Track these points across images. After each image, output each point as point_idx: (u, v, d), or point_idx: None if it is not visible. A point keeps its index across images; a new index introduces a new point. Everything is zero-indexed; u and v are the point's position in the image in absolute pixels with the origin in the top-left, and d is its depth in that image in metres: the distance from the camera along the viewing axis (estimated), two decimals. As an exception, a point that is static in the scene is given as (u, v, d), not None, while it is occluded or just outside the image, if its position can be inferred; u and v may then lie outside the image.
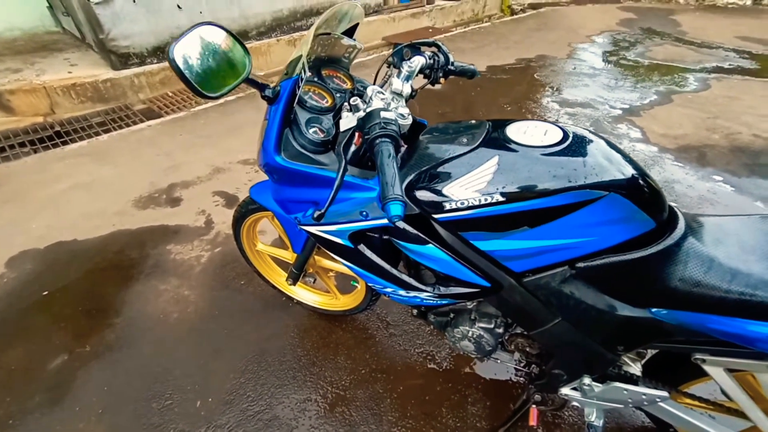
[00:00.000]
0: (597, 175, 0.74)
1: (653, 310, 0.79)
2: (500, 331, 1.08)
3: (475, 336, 1.10)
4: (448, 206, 0.81)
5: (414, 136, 0.96)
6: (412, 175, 0.85)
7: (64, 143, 3.05)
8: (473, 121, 0.92)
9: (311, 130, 0.95)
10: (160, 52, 3.81)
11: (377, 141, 0.71)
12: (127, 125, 3.29)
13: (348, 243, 0.99)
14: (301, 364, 1.53)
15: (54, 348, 1.58)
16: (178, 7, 3.77)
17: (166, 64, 3.80)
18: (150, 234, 2.15)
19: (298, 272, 1.41)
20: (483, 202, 0.78)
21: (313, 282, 1.53)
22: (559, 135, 0.81)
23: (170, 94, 3.81)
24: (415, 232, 0.89)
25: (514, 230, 0.80)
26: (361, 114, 0.78)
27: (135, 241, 2.11)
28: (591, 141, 0.81)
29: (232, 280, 1.88)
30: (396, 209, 0.62)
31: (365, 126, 0.74)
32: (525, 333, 1.07)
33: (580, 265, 0.81)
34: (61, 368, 1.51)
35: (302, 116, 0.95)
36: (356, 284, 1.50)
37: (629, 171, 0.77)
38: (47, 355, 1.55)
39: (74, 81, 3.44)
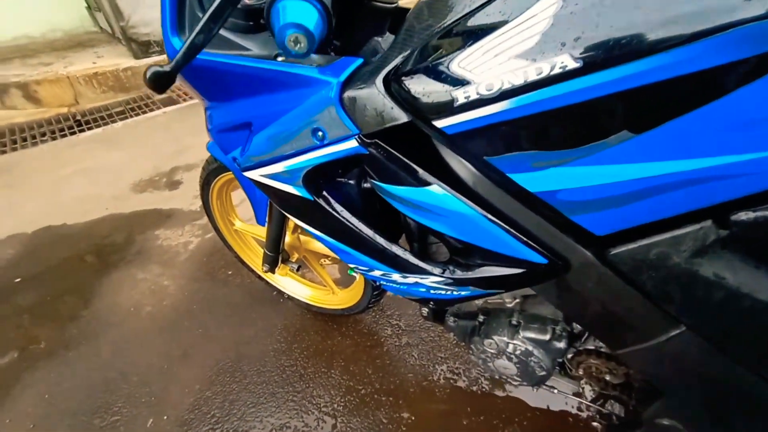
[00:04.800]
0: None
1: None
2: (561, 345, 0.65)
3: (518, 352, 0.68)
4: (461, 98, 0.41)
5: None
6: (398, 59, 0.47)
7: (82, 131, 2.98)
8: None
9: None
10: (182, 39, 3.69)
11: None
12: (144, 113, 3.17)
13: (303, 192, 0.61)
14: (283, 377, 1.18)
15: (7, 343, 1.35)
16: (200, -8, 3.63)
17: (187, 51, 3.69)
18: (141, 218, 1.92)
19: (273, 254, 1.06)
20: (534, 77, 0.37)
21: (296, 270, 1.17)
22: None
23: (191, 83, 3.69)
24: (403, 161, 0.50)
25: (598, 142, 0.39)
26: None
27: (124, 225, 1.88)
28: None
29: (218, 269, 1.58)
30: None
31: None
32: (606, 351, 0.64)
33: (741, 217, 0.38)
34: (6, 369, 1.27)
35: None
36: (354, 273, 1.13)
37: None
38: (-3, 351, 1.33)
39: (96, 70, 3.38)
